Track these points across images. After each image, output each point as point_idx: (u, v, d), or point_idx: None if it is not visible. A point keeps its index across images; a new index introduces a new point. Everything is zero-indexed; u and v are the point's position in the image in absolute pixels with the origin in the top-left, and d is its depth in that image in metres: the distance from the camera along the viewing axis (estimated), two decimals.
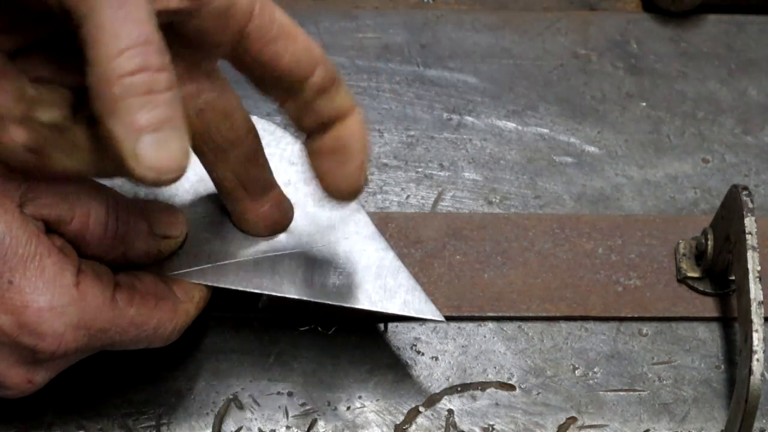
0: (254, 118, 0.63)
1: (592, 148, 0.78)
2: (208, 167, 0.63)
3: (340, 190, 0.60)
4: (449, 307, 0.70)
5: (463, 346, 0.70)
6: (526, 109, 0.80)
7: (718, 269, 0.71)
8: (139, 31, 0.49)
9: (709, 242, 0.70)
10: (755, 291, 0.65)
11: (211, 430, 0.66)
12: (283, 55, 0.56)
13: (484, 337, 0.70)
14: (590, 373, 0.69)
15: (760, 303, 0.64)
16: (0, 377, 0.58)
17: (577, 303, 0.71)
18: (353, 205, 0.67)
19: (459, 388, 0.68)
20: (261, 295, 0.67)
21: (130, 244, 0.62)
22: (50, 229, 0.59)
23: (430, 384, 0.68)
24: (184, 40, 0.57)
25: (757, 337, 0.63)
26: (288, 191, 0.67)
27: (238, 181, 0.63)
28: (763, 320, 0.64)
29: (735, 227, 0.67)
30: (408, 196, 0.75)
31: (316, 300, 0.65)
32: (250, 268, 0.65)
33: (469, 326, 0.70)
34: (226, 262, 0.65)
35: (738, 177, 0.77)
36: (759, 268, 0.65)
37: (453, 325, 0.70)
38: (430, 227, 0.73)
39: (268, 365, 0.68)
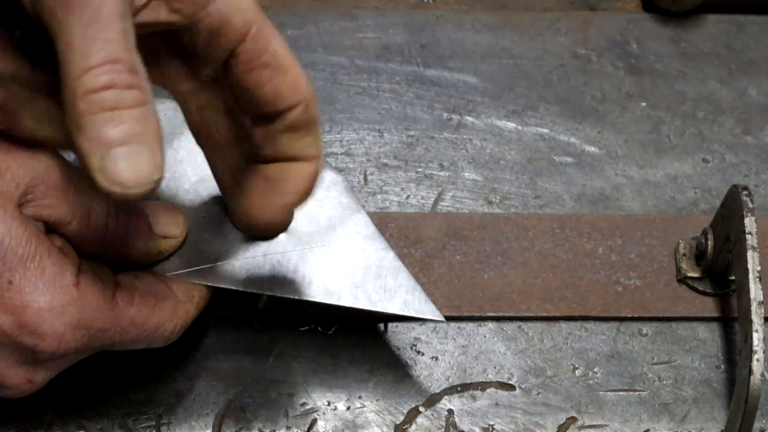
0: None
1: (592, 148, 0.78)
2: (210, 165, 0.63)
3: (255, 217, 0.60)
4: (449, 307, 0.70)
5: (463, 346, 0.70)
6: (526, 109, 0.80)
7: (718, 269, 0.71)
8: (107, 51, 0.49)
9: (709, 242, 0.70)
10: (755, 291, 0.65)
11: (211, 430, 0.66)
12: (266, 85, 0.56)
13: (484, 337, 0.70)
14: (590, 373, 0.69)
15: (760, 303, 0.65)
16: (0, 377, 0.58)
17: (577, 303, 0.71)
18: (353, 205, 0.67)
19: (459, 388, 0.68)
20: (261, 295, 0.67)
21: (130, 244, 0.62)
22: (50, 229, 0.59)
23: (430, 384, 0.68)
24: (182, 46, 0.57)
25: (757, 337, 0.63)
26: None
27: (237, 180, 0.63)
28: (763, 320, 0.64)
29: (735, 227, 0.67)
30: (408, 196, 0.75)
31: (316, 300, 0.65)
32: (250, 268, 0.65)
33: (469, 326, 0.70)
34: (226, 262, 0.65)
35: (738, 177, 0.77)
36: (759, 268, 0.65)
37: (453, 325, 0.70)
38: (430, 227, 0.73)
39: (268, 365, 0.68)
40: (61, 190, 0.58)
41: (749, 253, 0.65)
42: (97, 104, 0.50)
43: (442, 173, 0.76)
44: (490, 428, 0.67)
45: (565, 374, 0.69)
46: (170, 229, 0.64)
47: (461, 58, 0.81)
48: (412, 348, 0.69)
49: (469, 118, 0.79)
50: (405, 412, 0.67)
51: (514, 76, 0.81)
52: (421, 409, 0.68)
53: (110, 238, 0.61)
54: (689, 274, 0.72)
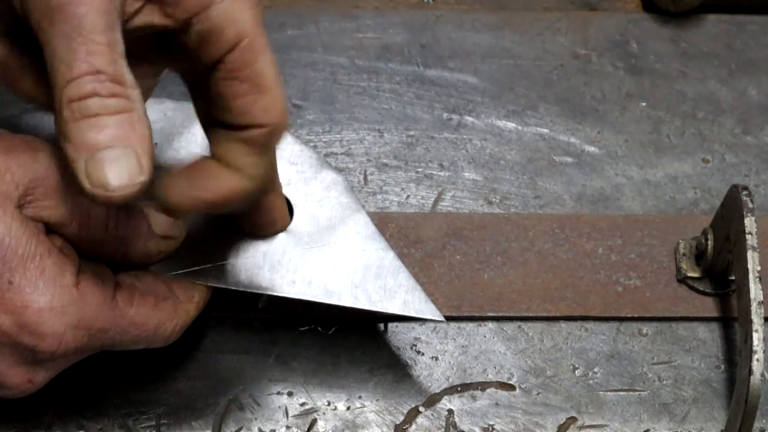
0: None
1: (592, 148, 0.78)
2: None
3: (167, 197, 0.59)
4: (449, 307, 0.70)
5: (463, 346, 0.70)
6: (526, 109, 0.80)
7: (718, 269, 0.71)
8: (89, 63, 0.51)
9: (709, 242, 0.70)
10: (755, 291, 0.65)
11: (211, 430, 0.66)
12: (240, 98, 0.55)
13: (484, 337, 0.70)
14: (590, 373, 0.69)
15: (760, 303, 0.65)
16: (0, 377, 0.58)
17: (577, 303, 0.71)
18: (353, 205, 0.67)
19: (459, 388, 0.68)
20: (261, 295, 0.67)
21: (130, 245, 0.62)
22: (50, 229, 0.59)
23: (430, 384, 0.68)
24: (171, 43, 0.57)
25: (757, 337, 0.63)
26: (288, 191, 0.67)
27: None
28: (763, 320, 0.64)
29: (735, 227, 0.67)
30: (408, 196, 0.75)
31: (316, 300, 0.65)
32: (250, 268, 0.65)
33: (469, 326, 0.70)
34: (226, 262, 0.65)
35: (738, 177, 0.77)
36: (759, 268, 0.65)
37: (453, 325, 0.70)
38: (430, 227, 0.73)
39: (268, 365, 0.68)
40: (61, 191, 0.58)
41: (749, 253, 0.65)
42: (80, 111, 0.51)
43: (442, 173, 0.76)
44: (490, 428, 0.67)
45: (565, 374, 0.69)
46: (170, 229, 0.63)
47: (461, 58, 0.81)
48: (412, 348, 0.69)
49: (469, 118, 0.79)
50: (405, 412, 0.67)
51: (514, 76, 0.81)
52: (421, 409, 0.68)
53: (110, 239, 0.61)
54: (689, 274, 0.72)
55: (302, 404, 0.67)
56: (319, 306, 0.65)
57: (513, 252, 0.73)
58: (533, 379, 0.69)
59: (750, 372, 0.63)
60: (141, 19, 0.55)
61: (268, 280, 0.65)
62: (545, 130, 0.79)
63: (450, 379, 0.69)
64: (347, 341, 0.69)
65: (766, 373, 0.65)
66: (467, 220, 0.74)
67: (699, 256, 0.72)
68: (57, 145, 0.54)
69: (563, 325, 0.71)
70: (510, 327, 0.71)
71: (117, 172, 0.52)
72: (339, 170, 0.72)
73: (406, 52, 0.81)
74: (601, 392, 0.69)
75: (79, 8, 0.51)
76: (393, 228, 0.73)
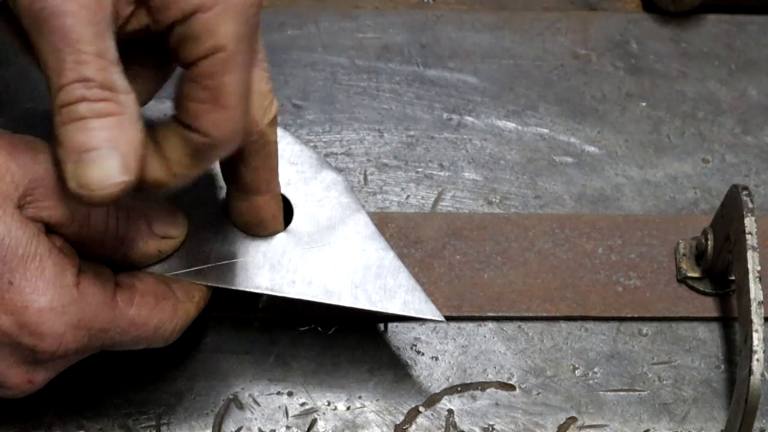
0: None
1: (592, 148, 0.78)
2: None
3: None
4: (449, 307, 0.70)
5: (463, 346, 0.70)
6: (526, 109, 0.80)
7: (718, 269, 0.71)
8: (77, 72, 0.52)
9: (709, 242, 0.70)
10: (755, 291, 0.65)
11: (211, 430, 0.66)
12: (195, 103, 0.56)
13: (484, 337, 0.70)
14: (590, 373, 0.69)
15: (760, 303, 0.65)
16: (0, 377, 0.58)
17: (577, 303, 0.71)
18: (353, 205, 0.67)
19: (459, 388, 0.68)
20: (261, 295, 0.67)
21: (130, 245, 0.62)
22: (50, 230, 0.59)
23: (430, 384, 0.68)
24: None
25: (757, 337, 0.63)
26: (288, 191, 0.67)
27: (234, 177, 0.63)
28: (763, 320, 0.64)
29: (735, 227, 0.67)
30: (408, 196, 0.75)
31: (316, 300, 0.65)
32: (250, 268, 0.65)
33: (469, 326, 0.70)
34: (226, 262, 0.65)
35: (738, 177, 0.77)
36: (759, 268, 0.65)
37: (453, 325, 0.70)
38: (430, 227, 0.73)
39: (268, 365, 0.68)
40: (61, 192, 0.58)
41: (749, 253, 0.65)
42: (69, 115, 0.53)
43: (442, 173, 0.76)
44: (490, 428, 0.67)
45: (565, 374, 0.69)
46: (170, 229, 0.64)
47: (461, 58, 0.81)
48: (412, 348, 0.69)
49: (469, 118, 0.79)
50: (405, 412, 0.67)
51: (514, 76, 0.81)
52: (421, 409, 0.68)
53: (110, 239, 0.61)
54: (689, 274, 0.72)
55: (302, 404, 0.67)
56: (319, 306, 0.65)
57: (513, 252, 0.73)
58: (533, 379, 0.69)
59: (750, 372, 0.63)
60: (134, 24, 0.56)
61: (268, 280, 0.65)
62: (545, 130, 0.79)
63: (450, 379, 0.69)
64: (347, 341, 0.69)
65: (766, 373, 0.65)
66: (467, 220, 0.74)
67: (699, 256, 0.72)
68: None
69: (563, 325, 0.71)
70: (510, 327, 0.71)
71: (100, 171, 0.53)
72: (339, 170, 0.72)
73: (406, 52, 0.81)
74: (601, 392, 0.69)
75: (66, 20, 0.52)
76: (393, 228, 0.73)
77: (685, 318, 0.71)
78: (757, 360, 0.63)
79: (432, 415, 0.67)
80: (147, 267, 0.63)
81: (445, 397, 0.68)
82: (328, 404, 0.67)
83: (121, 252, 0.62)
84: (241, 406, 0.67)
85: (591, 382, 0.69)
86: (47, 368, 0.59)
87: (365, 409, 0.67)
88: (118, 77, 0.53)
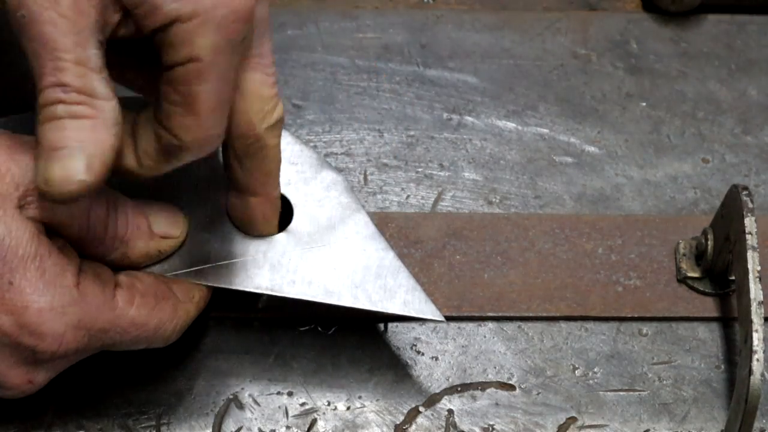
0: None
1: (592, 148, 0.78)
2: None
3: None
4: (449, 307, 0.70)
5: (463, 346, 0.70)
6: (526, 109, 0.80)
7: (718, 269, 0.71)
8: (56, 77, 0.54)
9: (709, 242, 0.70)
10: (755, 291, 0.65)
11: (211, 430, 0.66)
12: (169, 104, 0.57)
13: (484, 337, 0.70)
14: (590, 373, 0.69)
15: (760, 303, 0.65)
16: (0, 377, 0.58)
17: (577, 303, 0.71)
18: (353, 205, 0.67)
19: (459, 388, 0.68)
20: (261, 295, 0.67)
21: (130, 245, 0.62)
22: (50, 230, 0.59)
23: (430, 384, 0.68)
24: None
25: (757, 337, 0.63)
26: (288, 191, 0.67)
27: (230, 173, 0.63)
28: (763, 320, 0.64)
29: (735, 227, 0.67)
30: (408, 196, 0.75)
31: (316, 300, 0.65)
32: (250, 268, 0.65)
33: (469, 326, 0.70)
34: (226, 262, 0.65)
35: (738, 177, 0.77)
36: (759, 268, 0.65)
37: (453, 325, 0.70)
38: (430, 227, 0.73)
39: (268, 365, 0.68)
40: None
41: (749, 253, 0.65)
42: (47, 115, 0.54)
43: (442, 173, 0.76)
44: (490, 428, 0.67)
45: (565, 374, 0.69)
46: (170, 229, 0.64)
47: (461, 58, 0.81)
48: (412, 348, 0.69)
49: (469, 118, 0.79)
50: (405, 412, 0.67)
51: (514, 76, 0.81)
52: (421, 409, 0.68)
53: (110, 239, 0.61)
54: (689, 274, 0.72)
55: (302, 404, 0.67)
56: (319, 306, 0.65)
57: (513, 252, 0.73)
58: (533, 379, 0.69)
59: (750, 372, 0.63)
60: (123, 31, 0.57)
61: (268, 280, 0.65)
62: (545, 130, 0.79)
63: (450, 379, 0.69)
64: (347, 341, 0.69)
65: (766, 373, 0.65)
66: (467, 220, 0.74)
67: (699, 256, 0.72)
68: None
69: (563, 325, 0.71)
70: (510, 327, 0.71)
71: (62, 170, 0.54)
72: (339, 170, 0.72)
73: (406, 52, 0.81)
74: (601, 392, 0.69)
75: (45, 28, 0.53)
76: (393, 228, 0.73)
77: (685, 318, 0.71)
78: (757, 360, 0.63)
79: (432, 415, 0.67)
80: (147, 267, 0.63)
81: (445, 397, 0.68)
82: (328, 404, 0.67)
83: (121, 252, 0.62)
84: (241, 406, 0.67)
85: (591, 382, 0.69)
86: (47, 368, 0.59)
87: (365, 409, 0.67)
88: (98, 84, 0.54)
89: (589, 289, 0.72)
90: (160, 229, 0.63)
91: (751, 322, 0.64)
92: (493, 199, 0.75)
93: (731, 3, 0.84)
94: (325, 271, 0.65)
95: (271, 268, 0.65)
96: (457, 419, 0.67)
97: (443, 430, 0.67)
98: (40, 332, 0.57)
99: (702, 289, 0.71)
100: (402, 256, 0.68)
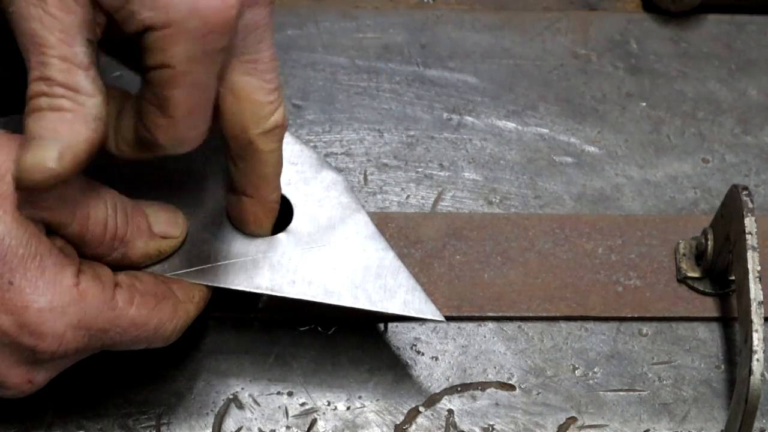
0: None
1: (592, 148, 0.78)
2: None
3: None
4: (449, 307, 0.70)
5: (463, 346, 0.70)
6: (526, 109, 0.80)
7: (718, 269, 0.71)
8: (41, 71, 0.56)
9: (709, 242, 0.70)
10: (755, 291, 0.65)
11: (211, 430, 0.66)
12: (145, 102, 0.58)
13: (484, 337, 0.70)
14: (590, 373, 0.69)
15: (760, 303, 0.65)
16: (0, 377, 0.58)
17: (577, 303, 0.71)
18: (353, 205, 0.67)
19: (459, 388, 0.68)
20: (261, 295, 0.67)
21: (130, 245, 0.62)
22: (50, 230, 0.59)
23: (430, 384, 0.68)
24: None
25: (757, 337, 0.63)
26: (288, 191, 0.67)
27: (230, 173, 0.64)
28: (763, 320, 0.64)
29: (735, 227, 0.67)
30: (408, 196, 0.75)
31: (316, 300, 0.65)
32: (250, 268, 0.65)
33: (469, 326, 0.70)
34: (226, 262, 0.65)
35: (738, 177, 0.77)
36: (759, 268, 0.65)
37: (453, 325, 0.70)
38: (430, 227, 0.73)
39: (268, 365, 0.68)
40: (61, 192, 0.58)
41: (749, 253, 0.65)
42: (31, 106, 0.56)
43: (442, 173, 0.76)
44: (490, 428, 0.67)
45: (565, 374, 0.69)
46: (170, 229, 0.64)
47: (461, 58, 0.81)
48: (412, 348, 0.69)
49: (469, 118, 0.79)
50: (405, 412, 0.67)
51: (514, 76, 0.81)
52: (421, 409, 0.68)
53: (110, 239, 0.61)
54: (689, 274, 0.72)
55: (302, 404, 0.67)
56: (319, 306, 0.65)
57: (513, 252, 0.73)
58: (533, 379, 0.69)
59: (750, 372, 0.63)
60: (114, 32, 0.58)
61: (268, 280, 0.65)
62: (545, 130, 0.79)
63: (450, 379, 0.69)
64: (347, 341, 0.69)
65: (766, 373, 0.65)
66: (467, 220, 0.74)
67: (699, 256, 0.72)
68: None
69: (563, 325, 0.71)
70: (510, 327, 0.71)
71: (34, 158, 0.55)
72: (339, 170, 0.72)
73: (406, 52, 0.81)
74: (601, 392, 0.69)
75: (31, 24, 0.55)
76: (393, 228, 0.73)
77: (685, 318, 0.71)
78: (757, 360, 0.63)
79: (432, 415, 0.67)
80: (147, 267, 0.63)
81: (445, 397, 0.68)
82: (328, 404, 0.67)
83: (121, 252, 0.62)
84: (241, 406, 0.67)
85: (591, 382, 0.69)
86: (47, 368, 0.59)
87: (365, 409, 0.67)
88: (82, 79, 0.56)
89: (589, 289, 0.72)
90: (160, 229, 0.63)
91: (751, 322, 0.64)
92: (493, 199, 0.75)
93: (731, 3, 0.84)
94: (325, 271, 0.65)
95: (271, 268, 0.65)
96: (457, 419, 0.67)
97: (443, 430, 0.67)
98: (40, 332, 0.57)
99: (702, 289, 0.71)
100: (402, 256, 0.68)
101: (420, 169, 0.76)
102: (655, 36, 0.83)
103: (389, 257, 0.66)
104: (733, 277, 0.70)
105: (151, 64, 0.57)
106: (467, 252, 0.72)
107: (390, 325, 0.70)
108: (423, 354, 0.69)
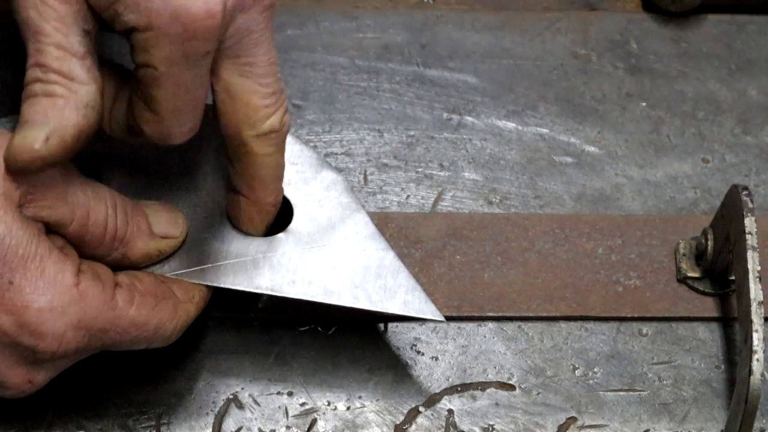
0: None
1: (592, 148, 0.78)
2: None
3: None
4: (449, 307, 0.70)
5: (463, 346, 0.70)
6: (526, 109, 0.80)
7: (718, 269, 0.71)
8: (36, 58, 0.57)
9: (709, 242, 0.70)
10: (755, 291, 0.65)
11: (211, 430, 0.66)
12: (135, 96, 0.59)
13: (484, 337, 0.70)
14: (590, 373, 0.69)
15: (760, 303, 0.65)
16: (0, 377, 0.58)
17: (577, 303, 0.71)
18: (353, 205, 0.67)
19: (459, 388, 0.68)
20: (261, 295, 0.67)
21: (130, 245, 0.62)
22: (50, 230, 0.59)
23: (430, 384, 0.68)
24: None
25: (757, 337, 0.63)
26: (288, 191, 0.67)
27: (229, 171, 0.64)
28: (763, 320, 0.64)
29: (735, 227, 0.67)
30: (408, 196, 0.75)
31: (316, 300, 0.65)
32: (250, 268, 0.65)
33: (469, 326, 0.70)
34: (226, 262, 0.65)
35: (738, 177, 0.77)
36: (759, 268, 0.65)
37: (453, 325, 0.70)
38: (430, 227, 0.73)
39: (268, 365, 0.68)
40: (61, 191, 0.58)
41: (749, 253, 0.65)
42: (27, 92, 0.57)
43: (442, 173, 0.76)
44: (490, 428, 0.67)
45: (565, 374, 0.69)
46: (170, 229, 0.64)
47: (461, 58, 0.81)
48: (412, 348, 0.69)
49: (469, 118, 0.79)
50: (405, 412, 0.67)
51: (514, 76, 0.81)
52: (421, 409, 0.68)
53: (110, 239, 0.61)
54: (689, 274, 0.72)
55: (302, 404, 0.67)
56: (319, 306, 0.65)
57: (513, 252, 0.73)
58: (533, 379, 0.69)
59: (750, 372, 0.63)
60: (107, 26, 0.59)
61: (268, 280, 0.65)
62: (545, 130, 0.79)
63: (450, 379, 0.69)
64: (347, 341, 0.69)
65: (766, 373, 0.65)
66: (467, 220, 0.74)
67: (699, 256, 0.72)
68: None
69: (563, 325, 0.71)
70: (510, 327, 0.71)
71: (21, 140, 0.56)
72: (339, 170, 0.72)
73: (406, 52, 0.81)
74: (601, 392, 0.69)
75: (30, 13, 0.57)
76: (393, 228, 0.73)
77: (685, 318, 0.71)
78: (757, 360, 0.63)
79: (432, 415, 0.67)
80: (147, 267, 0.63)
81: (445, 397, 0.68)
82: (328, 404, 0.67)
83: (121, 252, 0.62)
84: (241, 406, 0.67)
85: (591, 382, 0.69)
86: (47, 368, 0.59)
87: (365, 409, 0.67)
88: (76, 67, 0.57)
89: (589, 289, 0.72)
90: (160, 229, 0.63)
91: (751, 322, 0.64)
92: (493, 199, 0.75)
93: (731, 3, 0.84)
94: (325, 271, 0.65)
95: (271, 268, 0.65)
96: (457, 419, 0.67)
97: (443, 430, 0.67)
98: (40, 332, 0.57)
99: (702, 289, 0.71)
100: (402, 256, 0.68)
101: (420, 169, 0.76)
102: (655, 36, 0.83)
103: (389, 257, 0.66)
104: (733, 277, 0.70)
105: (138, 62, 0.58)
106: (467, 252, 0.72)
107: (390, 325, 0.70)
108: (423, 354, 0.69)
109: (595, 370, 0.69)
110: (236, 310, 0.69)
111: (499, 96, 0.80)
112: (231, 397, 0.67)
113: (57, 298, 0.57)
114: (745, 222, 0.66)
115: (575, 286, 0.71)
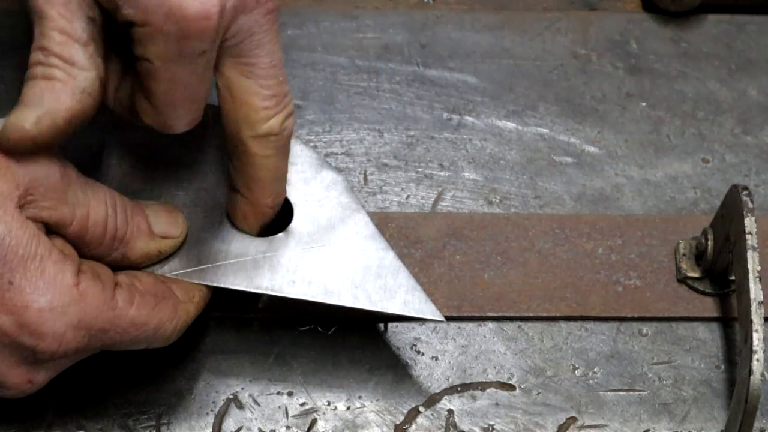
0: None
1: (592, 148, 0.78)
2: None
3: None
4: (449, 307, 0.70)
5: (463, 346, 0.70)
6: (526, 109, 0.80)
7: (718, 269, 0.71)
8: (40, 42, 0.58)
9: (709, 242, 0.70)
10: (755, 291, 0.65)
11: (211, 430, 0.66)
12: (135, 87, 0.61)
13: (484, 337, 0.70)
14: (590, 373, 0.69)
15: (760, 303, 0.65)
16: (0, 377, 0.58)
17: (577, 303, 0.71)
18: (353, 205, 0.67)
19: (459, 388, 0.68)
20: (261, 295, 0.67)
21: (130, 245, 0.62)
22: (50, 230, 0.59)
23: (430, 384, 0.68)
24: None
25: (757, 337, 0.63)
26: (288, 191, 0.67)
27: (233, 174, 0.64)
28: (763, 320, 0.64)
29: (735, 227, 0.67)
30: (408, 196, 0.75)
31: (316, 300, 0.65)
32: (250, 268, 0.65)
33: (469, 326, 0.70)
34: (226, 262, 0.65)
35: (738, 177, 0.77)
36: (759, 268, 0.65)
37: (453, 325, 0.70)
38: (430, 227, 0.73)
39: (268, 365, 0.68)
40: (61, 191, 0.58)
41: (749, 253, 0.65)
42: (28, 74, 0.58)
43: (442, 173, 0.76)
44: (490, 428, 0.67)
45: (565, 374, 0.69)
46: (170, 229, 0.64)
47: (461, 58, 0.81)
48: (412, 348, 0.69)
49: (469, 118, 0.79)
50: (405, 412, 0.67)
51: (514, 76, 0.81)
52: (421, 409, 0.68)
53: (110, 239, 0.61)
54: (689, 274, 0.72)
55: (302, 404, 0.67)
56: (319, 306, 0.65)
57: (513, 252, 0.73)
58: (533, 379, 0.69)
59: (750, 372, 0.63)
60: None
61: (268, 280, 0.65)
62: (545, 130, 0.79)
63: (450, 379, 0.69)
64: (347, 341, 0.69)
65: (766, 373, 0.65)
66: (467, 220, 0.74)
67: (699, 256, 0.72)
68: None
69: (563, 325, 0.71)
70: (510, 327, 0.71)
71: (15, 118, 0.57)
72: (339, 170, 0.72)
73: (406, 52, 0.81)
74: (601, 392, 0.69)
75: (38, 1, 0.58)
76: (393, 228, 0.73)
77: (685, 318, 0.71)
78: (757, 360, 0.63)
79: (432, 415, 0.67)
80: (147, 267, 0.63)
81: (445, 397, 0.68)
82: (328, 404, 0.67)
83: (121, 252, 0.62)
84: (241, 406, 0.67)
85: (591, 382, 0.69)
86: (47, 368, 0.59)
87: (365, 409, 0.67)
88: (77, 53, 0.58)
89: (589, 289, 0.72)
90: (159, 229, 0.63)
91: (751, 322, 0.64)
92: (493, 199, 0.75)
93: (731, 3, 0.84)
94: (325, 271, 0.65)
95: (271, 268, 0.65)
96: (457, 419, 0.67)
97: (443, 430, 0.67)
98: (40, 332, 0.57)
99: (702, 289, 0.71)
100: (402, 256, 0.68)
101: (420, 169, 0.76)
102: (655, 36, 0.83)
103: (389, 257, 0.66)
104: (733, 277, 0.70)
105: (137, 55, 0.59)
106: (467, 252, 0.72)
107: (390, 325, 0.70)
108: (423, 354, 0.69)
109: (595, 370, 0.69)
110: (236, 310, 0.69)
111: (499, 96, 0.80)
112: (231, 397, 0.67)
113: (57, 298, 0.57)
114: (745, 222, 0.66)
115: (575, 286, 0.71)
